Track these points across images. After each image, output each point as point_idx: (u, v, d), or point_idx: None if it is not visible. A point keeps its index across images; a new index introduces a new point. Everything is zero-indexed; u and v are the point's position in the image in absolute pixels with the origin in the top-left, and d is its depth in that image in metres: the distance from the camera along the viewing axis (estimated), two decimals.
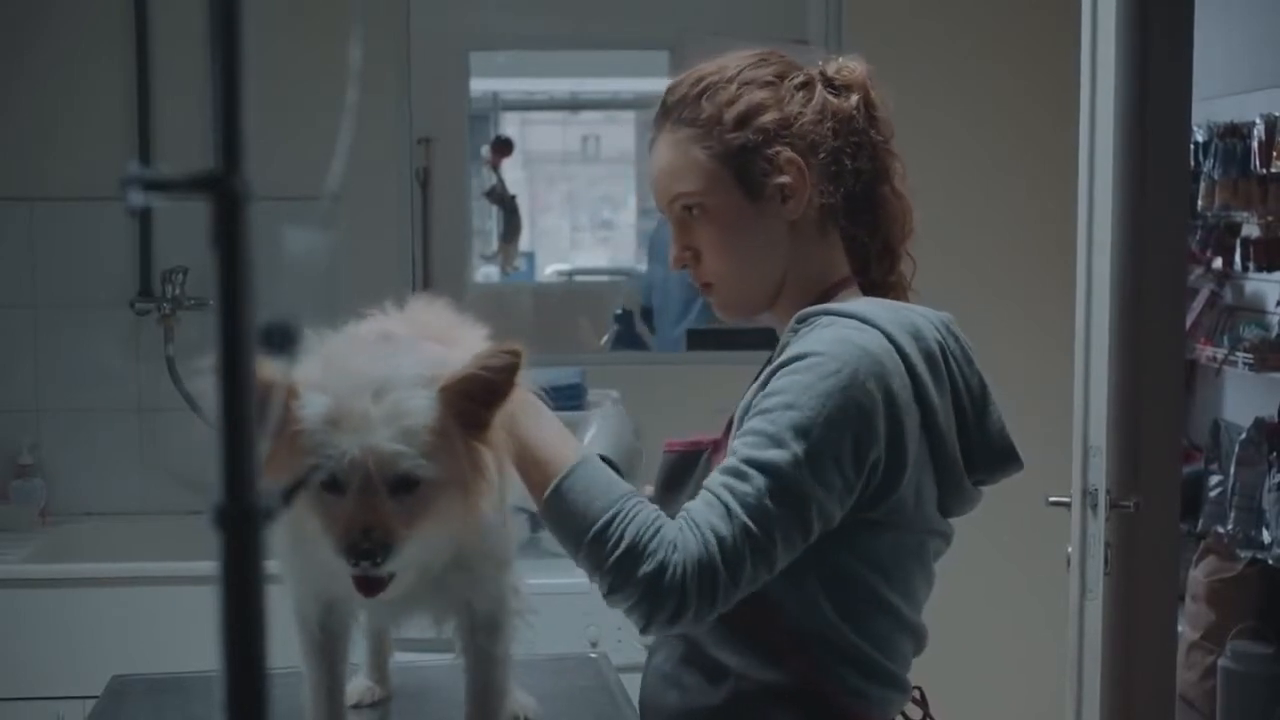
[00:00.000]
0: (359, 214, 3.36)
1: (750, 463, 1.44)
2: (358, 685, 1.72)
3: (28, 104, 3.48)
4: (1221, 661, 4.31)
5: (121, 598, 2.97)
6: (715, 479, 1.47)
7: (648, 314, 4.60)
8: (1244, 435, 4.76)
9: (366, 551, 1.31)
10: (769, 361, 1.55)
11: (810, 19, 3.74)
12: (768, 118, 1.58)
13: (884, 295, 1.63)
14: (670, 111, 1.62)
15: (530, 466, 1.49)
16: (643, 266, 5.65)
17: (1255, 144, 4.69)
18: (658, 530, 1.43)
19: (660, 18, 4.63)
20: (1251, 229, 4.83)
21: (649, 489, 1.65)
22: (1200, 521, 4.88)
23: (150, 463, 3.45)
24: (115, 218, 3.30)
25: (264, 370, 0.69)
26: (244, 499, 0.67)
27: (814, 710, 1.54)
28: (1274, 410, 4.73)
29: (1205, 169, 4.86)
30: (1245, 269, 4.92)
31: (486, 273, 5.49)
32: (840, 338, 1.49)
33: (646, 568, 1.41)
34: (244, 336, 0.67)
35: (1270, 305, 4.91)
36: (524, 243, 5.76)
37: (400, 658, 1.81)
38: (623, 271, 6.74)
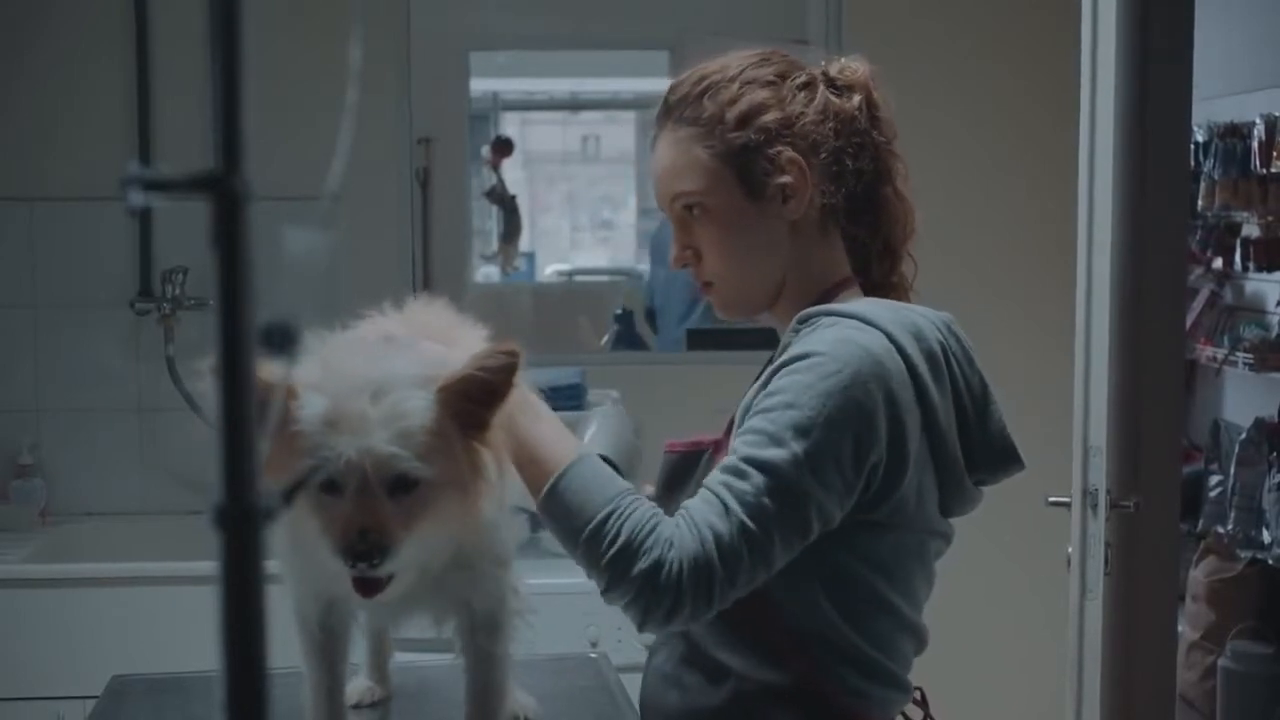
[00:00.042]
0: (359, 214, 3.36)
1: (749, 461, 1.44)
2: (358, 685, 1.72)
3: (28, 104, 3.48)
4: (1221, 661, 4.31)
5: (121, 598, 2.97)
6: (714, 477, 1.47)
7: (651, 314, 4.60)
8: (1244, 435, 4.76)
9: (363, 553, 1.31)
10: (770, 361, 1.55)
11: (810, 19, 3.74)
12: (769, 117, 1.58)
13: (885, 296, 1.63)
14: (672, 110, 1.62)
15: (528, 466, 1.50)
16: (643, 266, 5.65)
17: (1255, 144, 4.69)
18: (654, 527, 1.43)
19: (660, 18, 4.63)
20: (1251, 229, 4.83)
21: (649, 488, 1.65)
22: (1200, 521, 4.88)
23: (150, 463, 3.45)
24: (115, 218, 3.30)
25: (264, 371, 0.69)
26: (244, 499, 0.67)
27: (815, 710, 1.54)
28: (1274, 410, 4.73)
29: (1205, 169, 4.86)
30: (1245, 269, 4.92)
31: (486, 273, 5.49)
32: (842, 338, 1.49)
33: (642, 565, 1.41)
34: (244, 336, 0.67)
35: (1270, 305, 4.91)
36: (524, 243, 5.76)
37: (400, 658, 1.81)
38: (623, 271, 6.74)
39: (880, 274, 1.66)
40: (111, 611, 2.96)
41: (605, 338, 4.55)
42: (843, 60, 1.66)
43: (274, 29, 3.16)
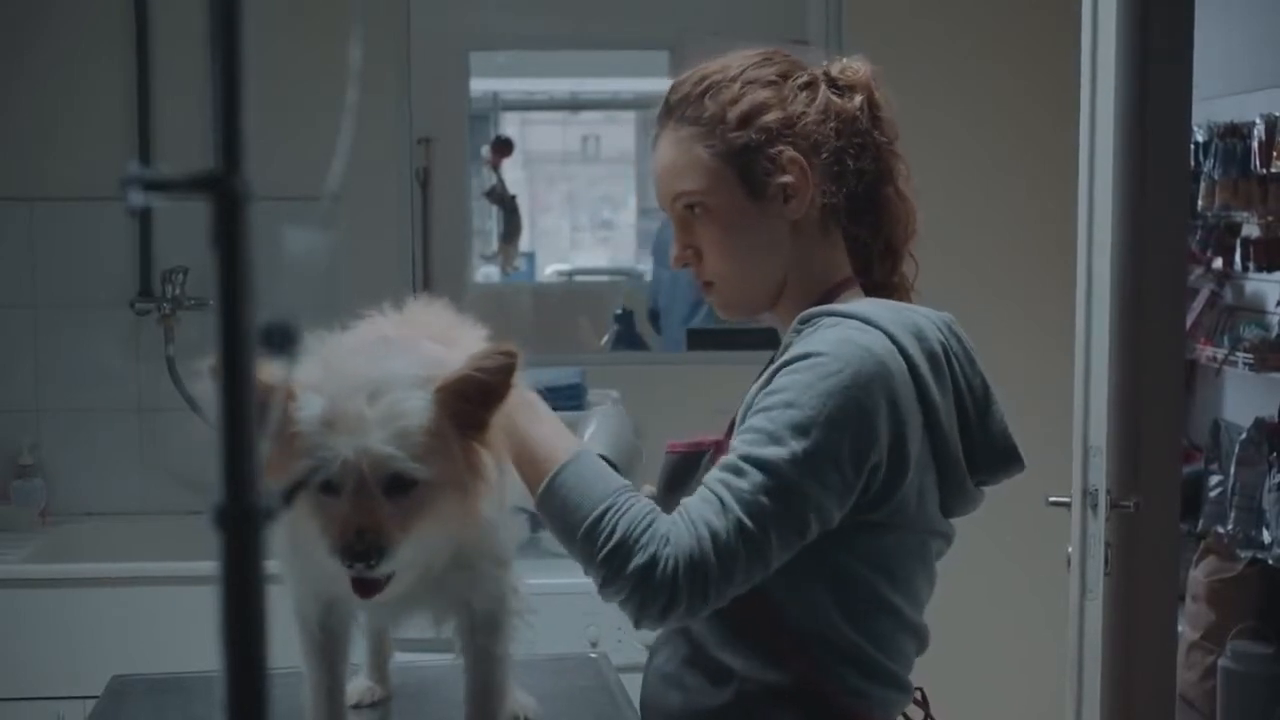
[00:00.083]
0: (359, 214, 3.36)
1: (748, 459, 1.44)
2: (358, 685, 1.72)
3: (28, 104, 3.48)
4: (1221, 661, 4.31)
5: (121, 598, 2.97)
6: (713, 475, 1.47)
7: (655, 315, 4.60)
8: (1244, 435, 4.76)
9: (360, 553, 1.32)
10: (771, 361, 1.55)
11: (810, 19, 3.74)
12: (771, 117, 1.58)
13: (886, 296, 1.63)
14: (673, 110, 1.62)
15: (527, 465, 1.50)
16: (642, 266, 5.65)
17: (1255, 144, 4.69)
18: (650, 524, 1.43)
19: (660, 18, 4.63)
20: (1251, 229, 4.83)
21: (648, 488, 1.65)
22: (1200, 521, 4.88)
23: (150, 463, 3.45)
24: (115, 218, 3.30)
25: (264, 371, 0.69)
26: (244, 499, 0.67)
27: (816, 711, 1.54)
28: (1274, 410, 4.73)
29: (1205, 169, 4.86)
30: (1245, 269, 4.92)
31: (486, 273, 5.49)
32: (843, 338, 1.49)
33: (638, 561, 1.41)
34: (244, 336, 0.67)
35: (1270, 305, 4.91)
36: (524, 243, 5.75)
37: (400, 658, 1.81)
38: (623, 271, 6.74)
39: (882, 274, 1.66)
40: (111, 611, 2.96)
41: (605, 338, 4.55)
42: (844, 60, 1.66)
43: (274, 29, 3.16)
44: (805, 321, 1.55)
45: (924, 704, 1.70)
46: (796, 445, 1.43)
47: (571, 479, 1.48)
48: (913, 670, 1.62)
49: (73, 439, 3.48)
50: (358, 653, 1.70)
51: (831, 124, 1.59)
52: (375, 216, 3.50)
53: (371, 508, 1.32)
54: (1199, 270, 5.04)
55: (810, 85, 1.61)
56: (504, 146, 5.27)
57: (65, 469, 3.47)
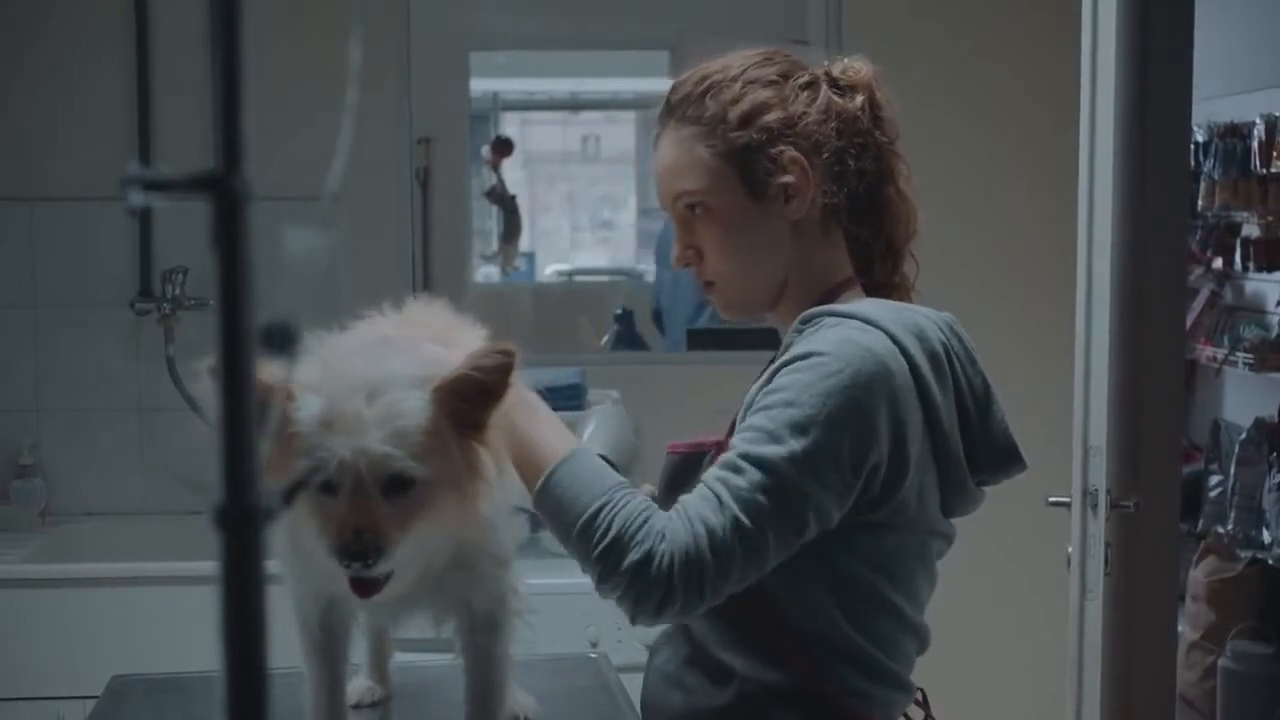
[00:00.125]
0: (359, 214, 3.35)
1: (746, 457, 1.44)
2: (358, 685, 1.72)
3: (28, 104, 3.48)
4: (1221, 661, 4.31)
5: (121, 598, 2.97)
6: (711, 473, 1.47)
7: (658, 316, 4.60)
8: (1244, 435, 4.76)
9: (357, 553, 1.32)
10: (772, 361, 1.55)
11: (810, 19, 3.74)
12: (772, 117, 1.58)
13: (887, 296, 1.63)
14: (674, 110, 1.62)
15: (525, 464, 1.50)
16: (643, 266, 5.65)
17: (1255, 144, 4.69)
18: (646, 520, 1.43)
19: (660, 18, 4.63)
20: (1251, 229, 4.83)
21: (648, 487, 1.65)
22: (1200, 521, 4.88)
23: (150, 463, 3.45)
24: (115, 218, 3.30)
25: (264, 372, 0.69)
26: (244, 499, 0.67)
27: (817, 711, 1.54)
28: (1274, 410, 4.73)
29: (1205, 169, 4.86)
30: (1245, 269, 4.92)
31: (486, 273, 5.49)
32: (844, 338, 1.49)
33: (633, 557, 1.41)
34: (244, 336, 0.66)
35: (1270, 305, 4.91)
36: (524, 243, 5.75)
37: (400, 658, 1.81)
38: (623, 271, 6.74)
39: (883, 274, 1.66)
40: (111, 611, 2.96)
41: (605, 338, 4.55)
42: (845, 60, 1.66)
43: (274, 29, 3.16)
44: (806, 321, 1.55)
45: (924, 704, 1.70)
46: (795, 444, 1.43)
47: (568, 476, 1.48)
48: (913, 670, 1.62)
49: (73, 439, 3.48)
50: (358, 653, 1.70)
51: (833, 124, 1.59)
52: (375, 216, 3.50)
53: (369, 507, 1.32)
54: (1199, 270, 5.04)
55: (811, 85, 1.61)
56: (504, 146, 5.27)
57: (65, 469, 3.47)
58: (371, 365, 1.36)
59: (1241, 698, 4.25)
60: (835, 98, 1.61)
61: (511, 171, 5.39)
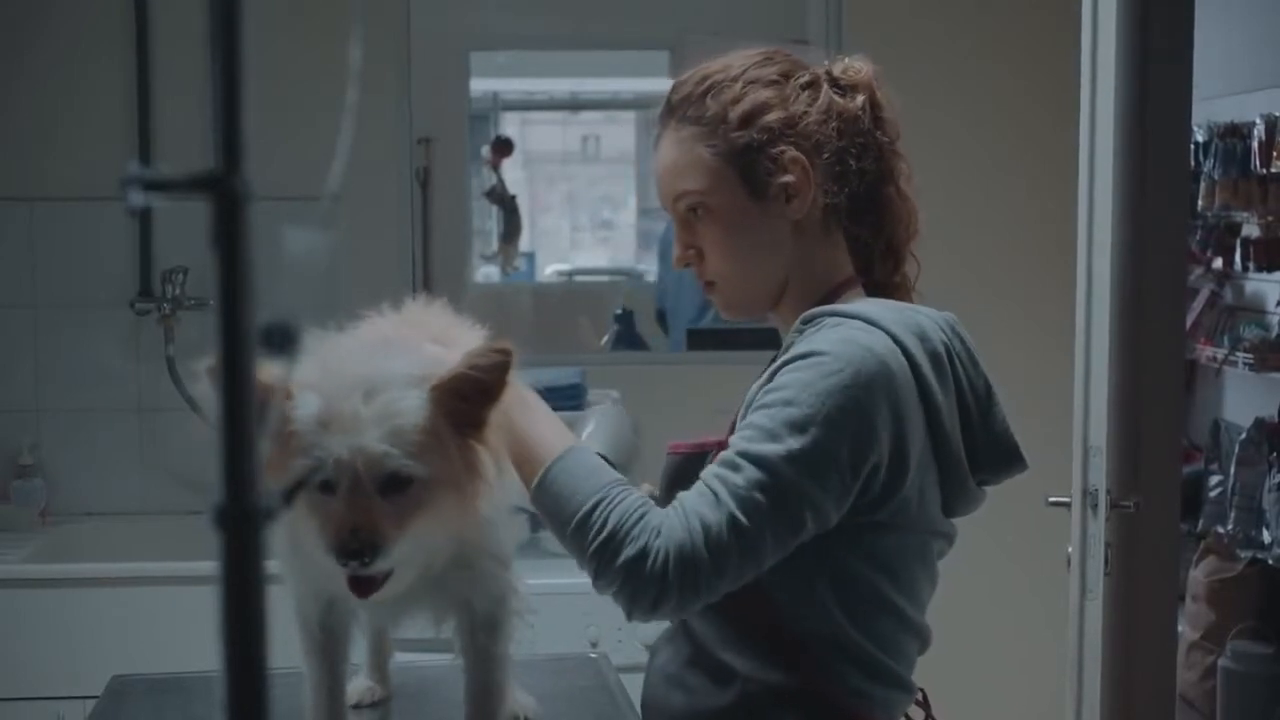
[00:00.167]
0: (359, 214, 3.35)
1: (744, 455, 1.45)
2: (358, 685, 1.72)
3: (28, 104, 3.48)
4: (1221, 661, 4.31)
5: (121, 598, 2.97)
6: (709, 470, 1.47)
7: (661, 316, 4.60)
8: (1244, 435, 4.76)
9: (355, 552, 1.32)
10: (773, 361, 1.55)
11: (810, 19, 3.74)
12: (772, 117, 1.58)
13: (888, 296, 1.63)
14: (675, 110, 1.62)
15: (524, 462, 1.50)
16: (643, 266, 5.64)
17: (1255, 144, 4.69)
18: (642, 516, 1.43)
19: (660, 18, 4.62)
20: (1251, 229, 4.83)
21: (647, 487, 1.65)
22: (1200, 521, 4.88)
23: (150, 463, 3.45)
24: (115, 218, 3.30)
25: (263, 372, 0.69)
26: (244, 499, 0.67)
27: (818, 711, 1.54)
28: (1274, 410, 4.73)
29: (1205, 169, 4.86)
30: (1245, 269, 4.92)
31: (486, 273, 5.48)
32: (845, 338, 1.49)
33: (628, 553, 1.41)
34: (244, 336, 0.66)
35: (1270, 305, 4.91)
36: (524, 243, 5.75)
37: (400, 658, 1.81)
38: (623, 271, 6.73)
39: (883, 274, 1.66)
40: (111, 611, 2.96)
41: (605, 338, 4.55)
42: (846, 60, 1.66)
43: (274, 29, 3.16)
44: (808, 321, 1.55)
45: (925, 705, 1.70)
46: (794, 443, 1.43)
47: (565, 473, 1.48)
48: (914, 670, 1.62)
49: (73, 439, 3.48)
50: (358, 653, 1.70)
51: (833, 124, 1.59)
52: (375, 216, 3.50)
53: (366, 506, 1.32)
54: (1199, 270, 5.04)
55: (812, 85, 1.61)
56: (504, 146, 5.27)
57: (65, 469, 3.47)
58: (369, 364, 1.37)
59: (1241, 698, 4.25)
60: (836, 98, 1.61)
61: (511, 171, 5.38)
